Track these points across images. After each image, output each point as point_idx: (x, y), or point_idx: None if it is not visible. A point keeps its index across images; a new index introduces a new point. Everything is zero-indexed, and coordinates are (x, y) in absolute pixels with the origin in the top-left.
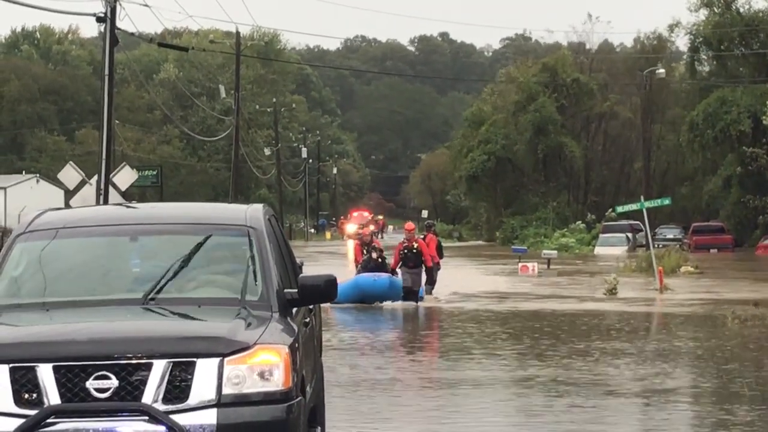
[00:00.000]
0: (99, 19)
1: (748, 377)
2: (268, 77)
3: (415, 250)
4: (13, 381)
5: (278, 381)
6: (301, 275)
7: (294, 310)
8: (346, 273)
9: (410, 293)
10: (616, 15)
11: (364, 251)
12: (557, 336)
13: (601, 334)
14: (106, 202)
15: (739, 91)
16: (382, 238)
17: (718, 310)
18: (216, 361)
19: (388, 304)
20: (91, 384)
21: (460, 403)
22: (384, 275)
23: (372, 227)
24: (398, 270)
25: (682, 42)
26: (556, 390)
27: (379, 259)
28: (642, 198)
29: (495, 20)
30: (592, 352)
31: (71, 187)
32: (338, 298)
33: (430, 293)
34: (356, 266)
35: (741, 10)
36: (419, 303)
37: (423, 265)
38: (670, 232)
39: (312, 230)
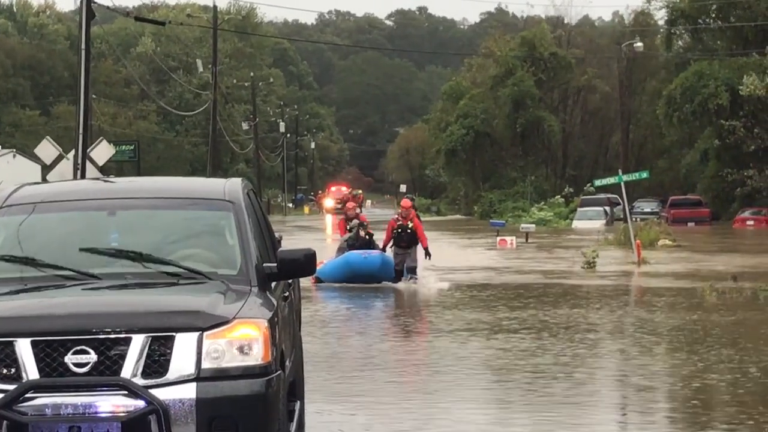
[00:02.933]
0: None
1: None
2: (245, 51)
3: (410, 230)
4: None
5: (257, 355)
6: (280, 249)
7: (273, 284)
8: (325, 247)
9: (401, 274)
10: None
11: (348, 228)
12: (539, 308)
13: (581, 305)
14: (83, 177)
15: (717, 64)
16: (360, 212)
17: (696, 283)
18: (195, 335)
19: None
20: (69, 359)
21: (440, 367)
22: (375, 252)
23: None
24: (388, 249)
25: (660, 15)
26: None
27: (366, 236)
28: (620, 171)
29: None
30: (575, 321)
31: (48, 162)
32: (327, 276)
33: None
34: (343, 241)
35: None
36: (409, 281)
37: (418, 244)
38: (648, 206)
39: (290, 205)
